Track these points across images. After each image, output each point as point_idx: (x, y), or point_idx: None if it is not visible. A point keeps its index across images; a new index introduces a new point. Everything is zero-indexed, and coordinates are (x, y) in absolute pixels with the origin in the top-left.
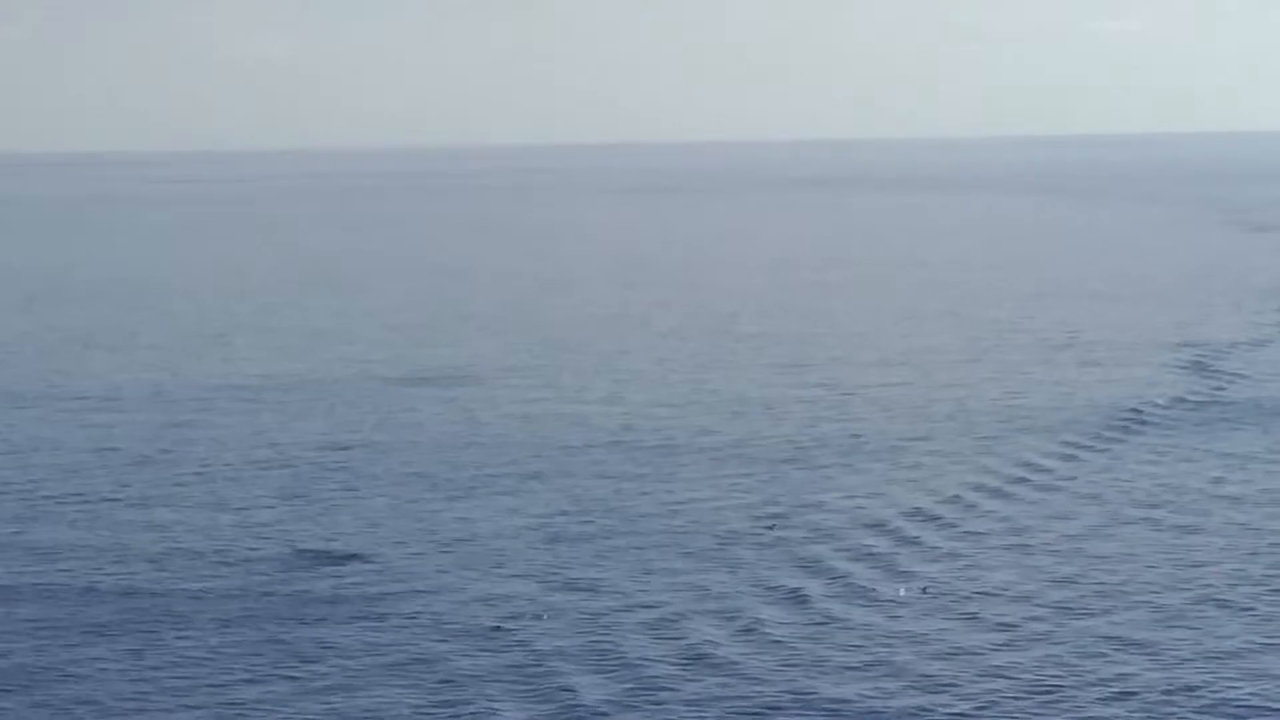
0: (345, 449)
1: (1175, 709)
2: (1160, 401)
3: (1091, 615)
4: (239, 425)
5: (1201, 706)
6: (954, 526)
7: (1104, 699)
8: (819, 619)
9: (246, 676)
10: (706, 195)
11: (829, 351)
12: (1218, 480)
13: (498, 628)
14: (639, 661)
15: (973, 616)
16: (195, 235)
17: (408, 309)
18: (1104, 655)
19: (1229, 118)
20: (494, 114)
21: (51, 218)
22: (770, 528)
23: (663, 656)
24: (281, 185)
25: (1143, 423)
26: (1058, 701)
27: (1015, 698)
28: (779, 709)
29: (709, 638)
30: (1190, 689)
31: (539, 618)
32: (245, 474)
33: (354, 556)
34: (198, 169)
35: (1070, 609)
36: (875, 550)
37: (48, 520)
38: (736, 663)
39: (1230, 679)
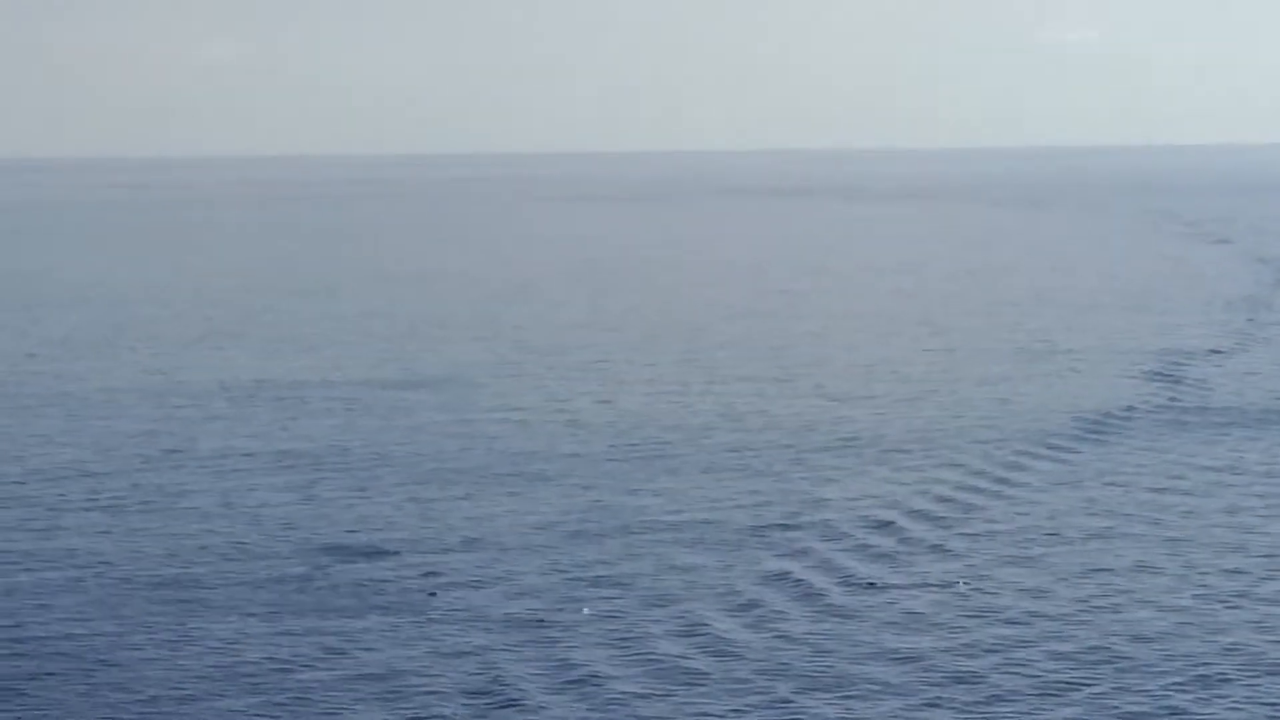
0: (346, 450)
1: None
2: (1138, 408)
3: (1075, 616)
4: (236, 427)
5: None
6: (942, 528)
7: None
8: (817, 617)
9: (281, 668)
10: (667, 204)
11: (805, 357)
12: (1198, 484)
13: (541, 621)
14: (662, 656)
15: (960, 618)
16: (160, 240)
17: (383, 314)
18: (1094, 654)
19: (1183, 131)
20: (452, 121)
21: (12, 222)
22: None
23: (683, 652)
24: (242, 191)
25: (1119, 429)
26: (1051, 697)
27: (1005, 697)
28: (789, 702)
29: (725, 632)
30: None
31: (579, 611)
32: (252, 475)
33: (374, 552)
34: (157, 174)
35: (1051, 608)
36: (875, 549)
37: (68, 518)
38: (754, 657)
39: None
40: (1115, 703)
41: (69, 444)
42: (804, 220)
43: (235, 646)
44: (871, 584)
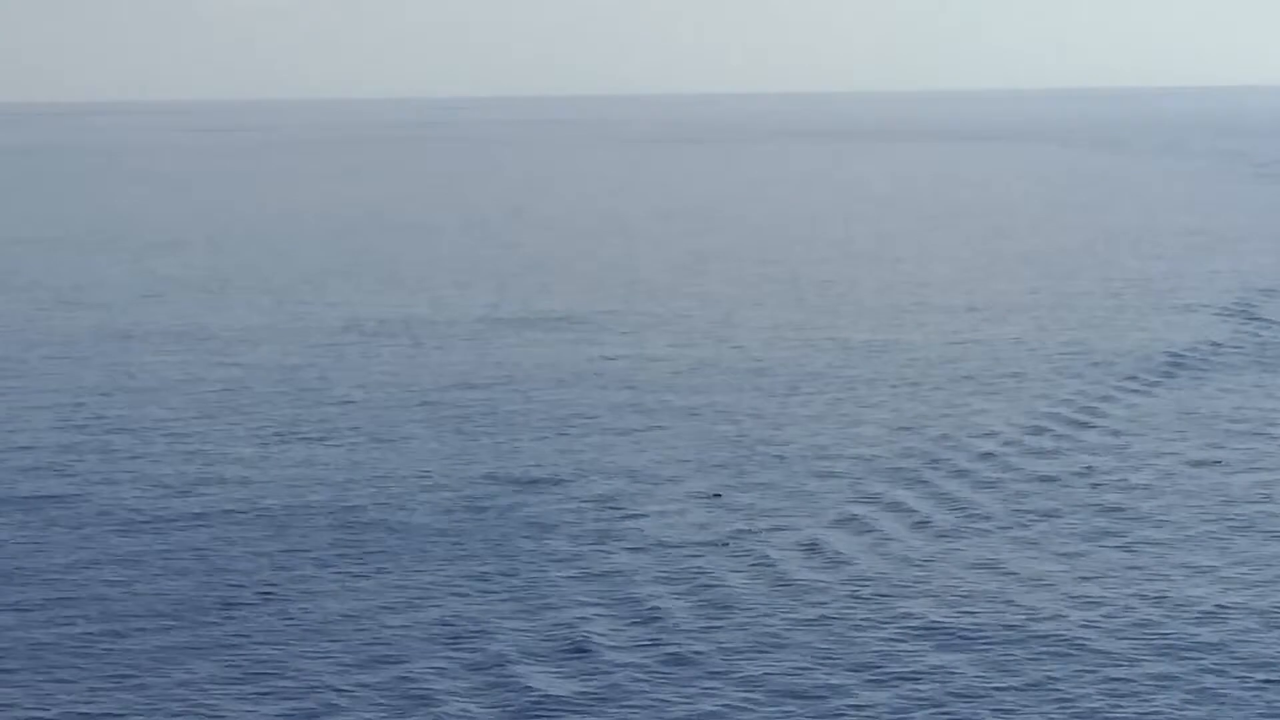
0: (482, 387)
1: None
2: (1226, 345)
3: (1147, 539)
4: (368, 365)
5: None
6: (1039, 456)
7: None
8: (888, 542)
9: (464, 598)
10: (730, 146)
11: (909, 296)
12: (1268, 419)
13: (725, 544)
14: (820, 585)
15: (1035, 544)
16: (240, 182)
17: (483, 255)
18: (1159, 579)
19: (1239, 72)
20: (491, 64)
21: (89, 165)
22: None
23: (815, 577)
24: (298, 136)
25: (1218, 365)
26: (1107, 616)
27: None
28: (912, 616)
29: (866, 558)
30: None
31: (753, 532)
32: (394, 410)
33: (536, 483)
34: (207, 119)
35: (1125, 532)
36: (986, 481)
37: (223, 453)
38: (874, 577)
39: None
40: (1230, 654)
41: (206, 382)
42: (878, 162)
43: (417, 580)
44: (985, 516)
